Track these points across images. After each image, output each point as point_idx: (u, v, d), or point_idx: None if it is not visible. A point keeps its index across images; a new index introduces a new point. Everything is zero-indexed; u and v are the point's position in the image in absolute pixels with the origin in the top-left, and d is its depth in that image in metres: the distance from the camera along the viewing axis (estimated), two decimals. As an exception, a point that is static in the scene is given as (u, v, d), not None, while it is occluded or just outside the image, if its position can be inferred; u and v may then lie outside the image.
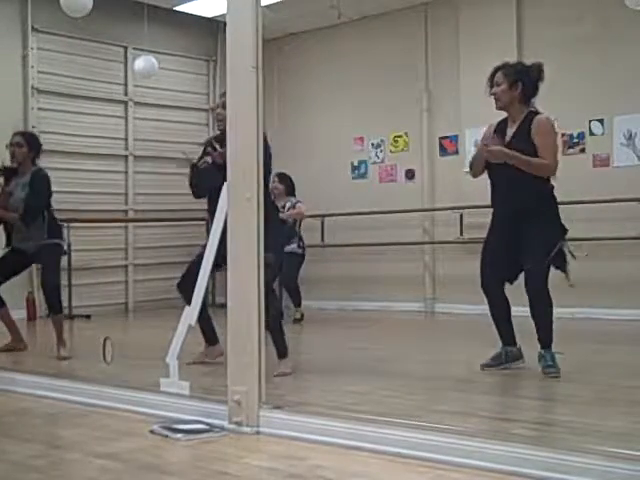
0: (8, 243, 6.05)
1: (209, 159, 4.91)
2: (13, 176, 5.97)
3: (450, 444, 2.95)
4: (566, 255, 4.77)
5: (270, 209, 4.45)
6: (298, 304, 8.31)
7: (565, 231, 4.79)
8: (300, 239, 8.30)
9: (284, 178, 8.37)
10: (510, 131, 4.83)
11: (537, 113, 4.84)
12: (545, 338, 4.66)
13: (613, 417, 3.59)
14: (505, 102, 4.82)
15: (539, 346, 4.66)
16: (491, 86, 4.89)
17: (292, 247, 8.11)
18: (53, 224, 6.00)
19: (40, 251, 5.88)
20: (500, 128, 4.91)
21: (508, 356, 4.86)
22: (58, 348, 5.84)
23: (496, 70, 4.89)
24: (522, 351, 4.87)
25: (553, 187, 4.83)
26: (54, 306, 5.96)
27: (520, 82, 4.79)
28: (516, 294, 4.87)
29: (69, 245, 8.87)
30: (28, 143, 5.96)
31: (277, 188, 8.25)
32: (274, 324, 4.70)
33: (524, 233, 4.71)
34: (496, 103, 4.87)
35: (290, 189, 8.35)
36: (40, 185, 5.91)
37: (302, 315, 8.27)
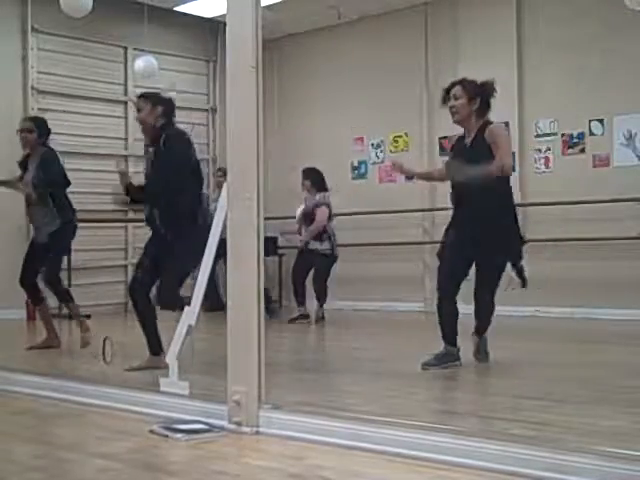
0: None
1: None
2: (28, 163, 6.08)
3: (450, 444, 2.95)
4: (522, 258, 4.95)
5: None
6: (321, 304, 8.26)
7: (522, 238, 5.03)
8: (329, 239, 8.22)
9: (309, 173, 8.31)
10: (467, 142, 4.99)
11: (490, 122, 4.98)
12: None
13: (612, 417, 3.59)
14: (463, 116, 4.94)
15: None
16: (445, 99, 5.02)
17: (322, 247, 8.14)
18: (65, 206, 6.04)
19: (49, 240, 5.97)
20: (458, 143, 5.11)
21: (454, 355, 5.01)
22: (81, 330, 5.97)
23: (453, 85, 5.01)
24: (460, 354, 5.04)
25: (511, 188, 4.99)
26: (59, 295, 6.05)
27: (478, 97, 4.92)
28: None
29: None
30: (38, 128, 6.05)
31: (304, 184, 8.24)
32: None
33: (483, 235, 4.84)
34: (453, 116, 5.00)
35: (319, 184, 8.27)
36: (48, 163, 5.97)
37: (323, 315, 8.25)
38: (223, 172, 9.38)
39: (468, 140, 4.98)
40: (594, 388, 4.35)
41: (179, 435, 3.40)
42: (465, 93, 4.91)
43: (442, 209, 9.20)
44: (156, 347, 5.07)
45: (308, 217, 8.19)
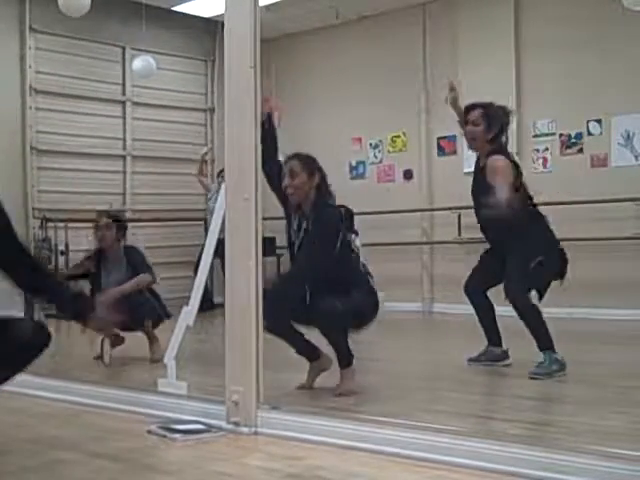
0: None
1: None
2: (100, 258, 5.79)
3: (448, 444, 2.95)
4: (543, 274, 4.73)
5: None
6: None
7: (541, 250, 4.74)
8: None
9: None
10: (480, 167, 4.85)
11: (495, 151, 4.75)
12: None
13: (610, 417, 3.59)
14: (478, 144, 4.80)
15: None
16: (465, 122, 4.83)
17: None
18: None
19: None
20: (476, 163, 4.94)
21: (493, 355, 4.94)
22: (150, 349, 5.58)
23: (472, 107, 4.81)
24: (508, 353, 4.95)
25: (531, 206, 4.88)
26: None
27: (495, 127, 4.74)
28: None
29: (67, 245, 8.89)
30: (115, 223, 5.81)
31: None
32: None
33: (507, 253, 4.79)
34: (470, 143, 4.84)
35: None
36: (141, 257, 5.80)
37: None
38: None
39: (481, 165, 4.84)
40: (593, 388, 4.35)
41: (177, 435, 3.40)
42: (483, 121, 4.73)
43: (441, 209, 9.23)
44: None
45: None
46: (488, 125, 4.73)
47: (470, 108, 4.83)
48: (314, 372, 4.44)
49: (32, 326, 3.11)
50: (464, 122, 4.86)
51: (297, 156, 4.38)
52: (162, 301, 5.75)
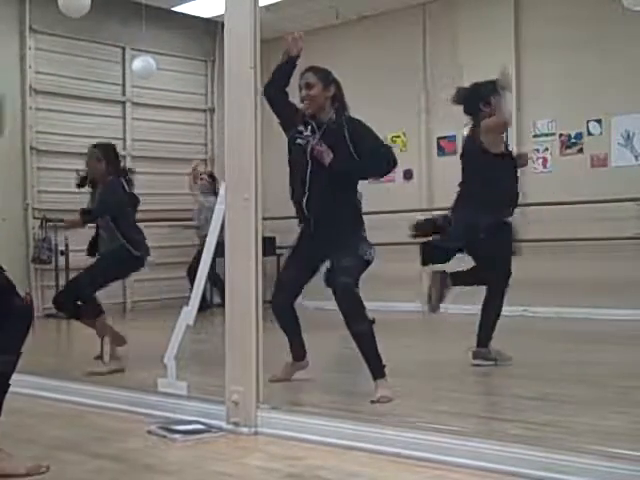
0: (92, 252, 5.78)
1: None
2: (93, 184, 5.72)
3: (449, 444, 2.95)
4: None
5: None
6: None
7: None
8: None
9: None
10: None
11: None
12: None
13: (611, 417, 3.59)
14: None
15: None
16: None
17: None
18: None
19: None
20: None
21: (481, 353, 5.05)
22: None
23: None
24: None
25: None
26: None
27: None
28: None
29: (66, 245, 8.89)
30: (105, 157, 5.65)
31: None
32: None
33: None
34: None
35: None
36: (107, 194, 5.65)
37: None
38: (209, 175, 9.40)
39: None
40: (592, 388, 4.35)
41: (177, 435, 3.40)
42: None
43: (441, 209, 9.21)
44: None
45: None
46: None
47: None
48: (293, 368, 4.59)
49: (25, 310, 3.23)
50: None
51: (312, 68, 4.42)
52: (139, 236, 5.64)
